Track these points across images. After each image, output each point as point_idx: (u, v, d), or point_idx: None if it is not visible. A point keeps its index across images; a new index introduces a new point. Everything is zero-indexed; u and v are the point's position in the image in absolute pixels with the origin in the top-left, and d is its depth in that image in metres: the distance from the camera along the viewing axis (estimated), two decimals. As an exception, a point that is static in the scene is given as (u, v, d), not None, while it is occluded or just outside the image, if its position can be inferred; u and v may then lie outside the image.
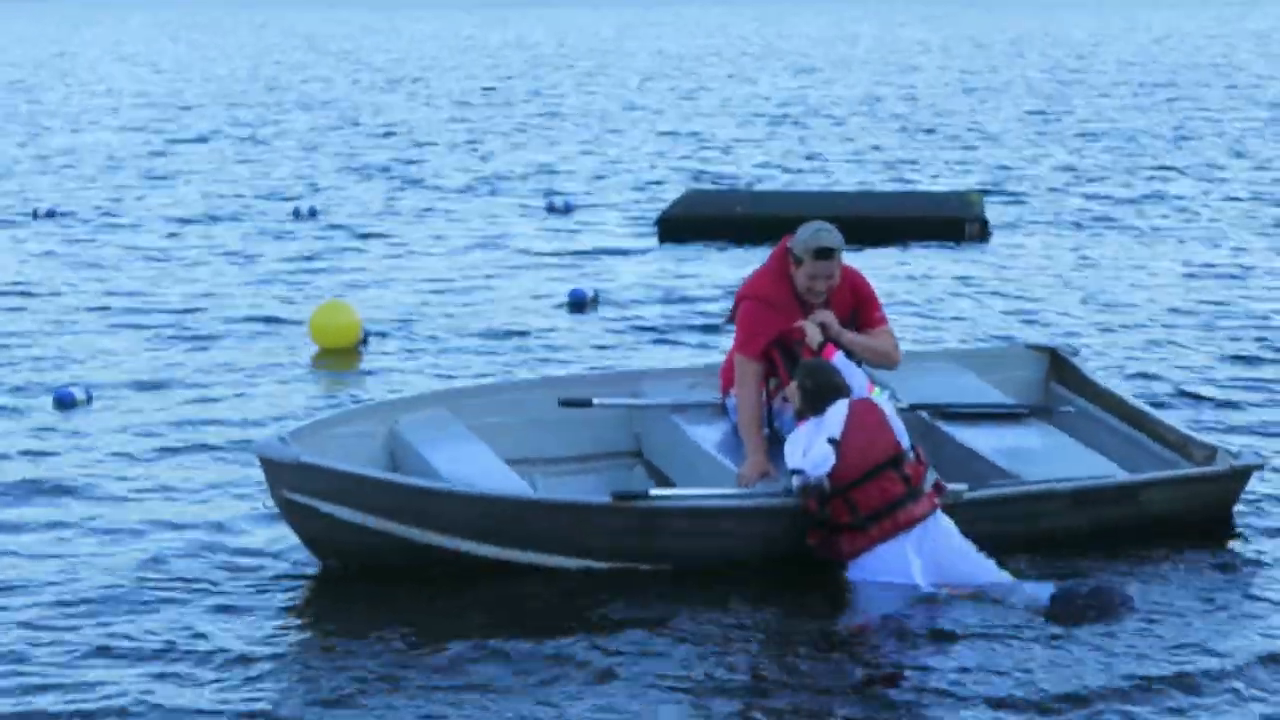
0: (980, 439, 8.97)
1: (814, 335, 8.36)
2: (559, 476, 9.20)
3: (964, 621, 7.45)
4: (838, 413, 7.91)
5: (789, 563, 7.94)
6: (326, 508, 7.98)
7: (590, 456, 9.29)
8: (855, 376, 8.18)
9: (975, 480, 8.62)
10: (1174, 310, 14.21)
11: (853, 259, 9.23)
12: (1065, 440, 9.12)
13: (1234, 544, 8.45)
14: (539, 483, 9.08)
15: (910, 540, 7.74)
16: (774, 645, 7.28)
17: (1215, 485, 8.64)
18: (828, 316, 8.45)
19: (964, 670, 7.00)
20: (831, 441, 7.84)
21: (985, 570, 7.75)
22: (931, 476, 7.94)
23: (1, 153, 26.66)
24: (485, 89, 38.32)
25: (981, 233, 17.78)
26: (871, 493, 7.76)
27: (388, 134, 28.61)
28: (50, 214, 19.77)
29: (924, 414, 9.19)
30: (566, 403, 9.20)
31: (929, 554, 7.73)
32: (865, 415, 7.90)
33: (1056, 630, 7.37)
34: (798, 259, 8.43)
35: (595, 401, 9.22)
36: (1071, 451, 8.95)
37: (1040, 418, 9.44)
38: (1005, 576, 7.76)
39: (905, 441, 7.92)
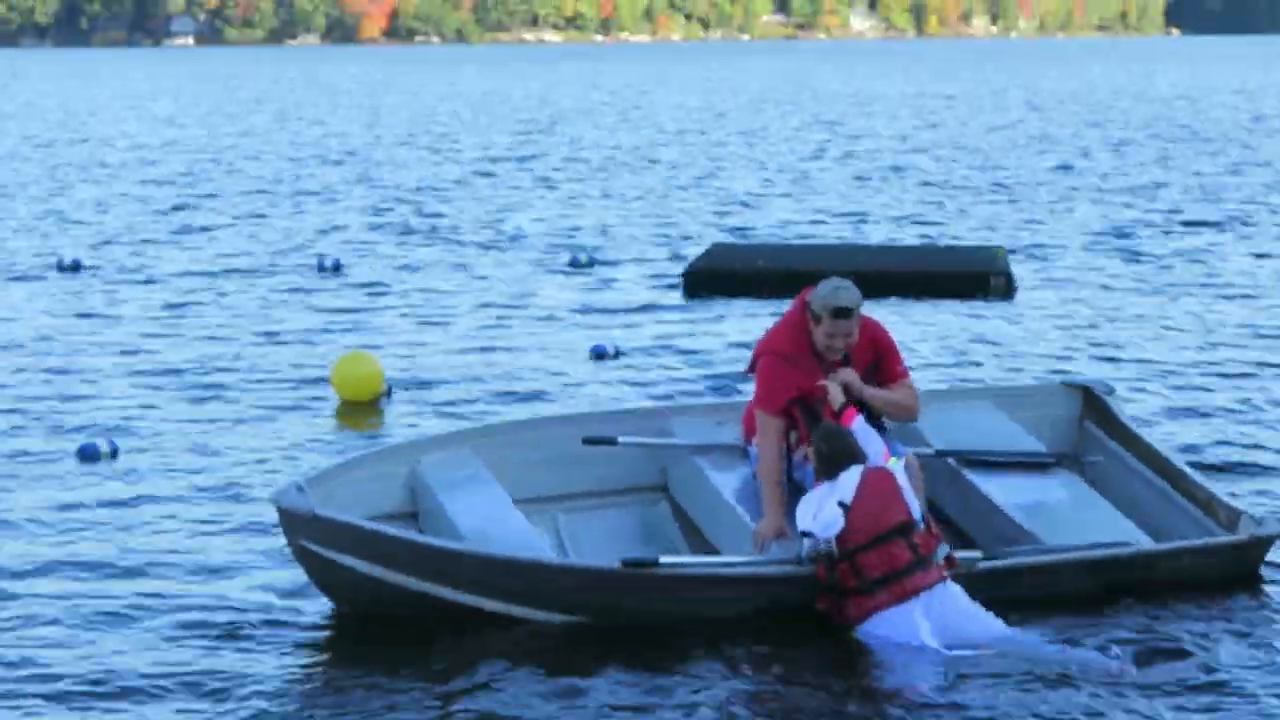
0: (1004, 492, 8.99)
1: (836, 397, 8.41)
2: (584, 512, 9.23)
3: (973, 680, 7.48)
4: (850, 478, 8.00)
5: (798, 623, 7.97)
6: (340, 558, 8.10)
7: (616, 492, 9.31)
8: (873, 443, 8.25)
9: (995, 536, 8.70)
10: (1203, 365, 14.25)
11: (876, 313, 9.32)
12: (1090, 495, 9.12)
13: (1251, 611, 8.41)
14: (561, 520, 9.15)
15: (918, 605, 7.80)
16: (778, 701, 7.33)
17: (1237, 552, 8.62)
18: (850, 376, 8.49)
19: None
20: (842, 505, 7.92)
21: (994, 630, 7.79)
22: (943, 550, 7.98)
23: (25, 205, 26.86)
24: (511, 141, 38.54)
25: (1006, 288, 17.83)
26: (878, 559, 7.82)
27: (409, 188, 28.77)
28: (75, 266, 19.93)
29: (951, 461, 9.21)
30: (591, 441, 9.22)
31: (937, 617, 7.78)
32: (878, 483, 7.99)
33: (1067, 688, 7.39)
34: (816, 317, 8.49)
35: (620, 440, 9.25)
36: (1095, 510, 8.96)
37: (1068, 467, 9.43)
38: (1015, 634, 7.80)
39: (917, 513, 7.98)
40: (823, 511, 7.97)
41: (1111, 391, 9.97)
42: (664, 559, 8.12)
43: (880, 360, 8.65)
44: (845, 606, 7.88)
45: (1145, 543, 8.65)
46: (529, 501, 9.09)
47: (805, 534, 7.97)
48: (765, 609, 8.01)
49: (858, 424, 8.30)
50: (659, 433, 9.41)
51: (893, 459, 8.26)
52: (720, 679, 7.49)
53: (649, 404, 12.35)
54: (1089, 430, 9.80)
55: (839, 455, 8.12)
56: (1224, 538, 8.65)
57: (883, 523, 7.86)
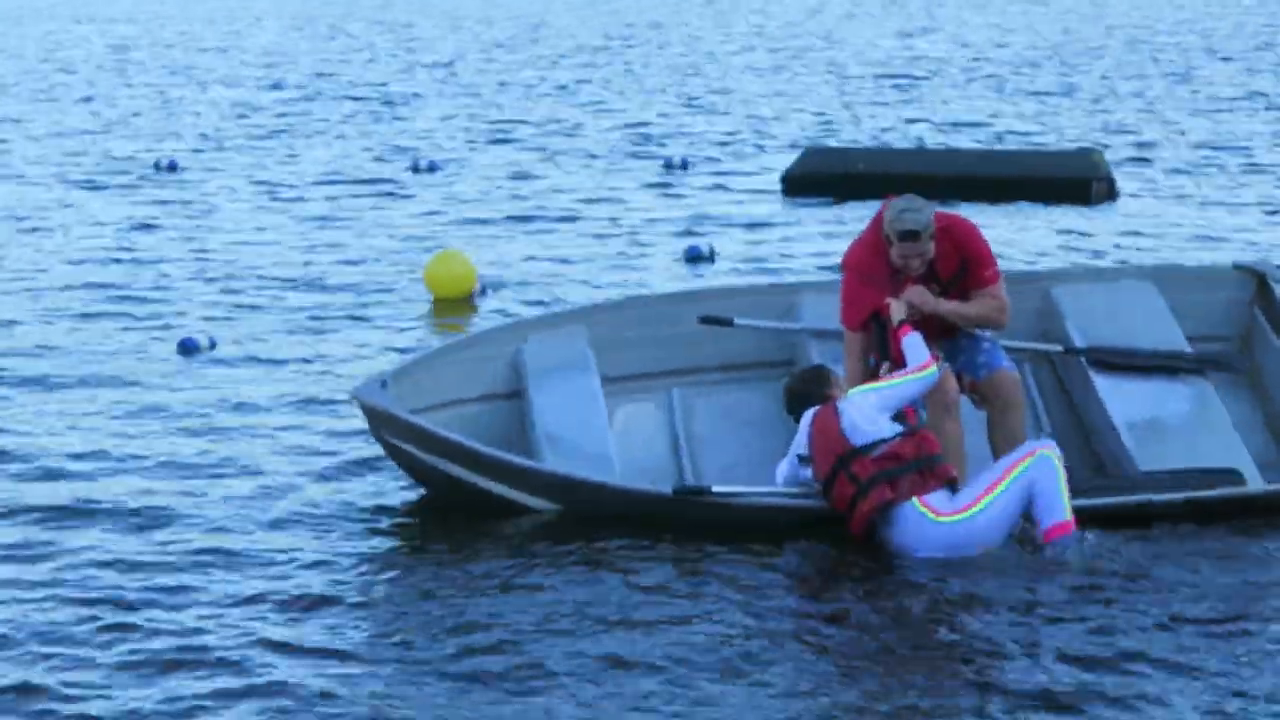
0: (1124, 404, 8.88)
1: (896, 313, 8.50)
2: (704, 388, 9.38)
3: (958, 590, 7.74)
4: (804, 425, 8.28)
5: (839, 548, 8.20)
6: (414, 451, 8.58)
7: (739, 367, 9.36)
8: (915, 359, 8.32)
9: (1097, 463, 8.84)
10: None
11: (977, 218, 9.31)
12: (1219, 415, 8.91)
13: None
14: (677, 396, 9.35)
15: (884, 526, 8.04)
16: (808, 622, 7.52)
17: None
18: (916, 295, 8.51)
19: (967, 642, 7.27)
20: (801, 458, 8.24)
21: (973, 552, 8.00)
22: (924, 462, 8.04)
23: (122, 106, 27.31)
24: (604, 44, 38.63)
25: (1109, 192, 17.86)
26: (836, 496, 8.12)
27: (500, 90, 28.97)
28: (172, 166, 20.35)
29: (1081, 361, 9.13)
30: (706, 320, 9.35)
31: (903, 539, 8.00)
32: (822, 425, 8.18)
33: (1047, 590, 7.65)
34: (887, 238, 8.52)
35: (737, 322, 9.33)
36: (1217, 432, 8.76)
37: (1218, 372, 9.20)
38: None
39: (861, 440, 8.05)
40: (780, 466, 8.40)
41: None
42: (716, 488, 8.41)
43: (966, 266, 8.61)
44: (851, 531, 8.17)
45: (1252, 480, 8.50)
46: (642, 377, 9.32)
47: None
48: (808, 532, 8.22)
49: (907, 340, 8.41)
50: (782, 312, 9.40)
51: (856, 389, 8.29)
52: (752, 599, 7.70)
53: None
54: (1258, 320, 9.53)
55: (793, 400, 8.41)
56: None
57: (826, 465, 8.10)
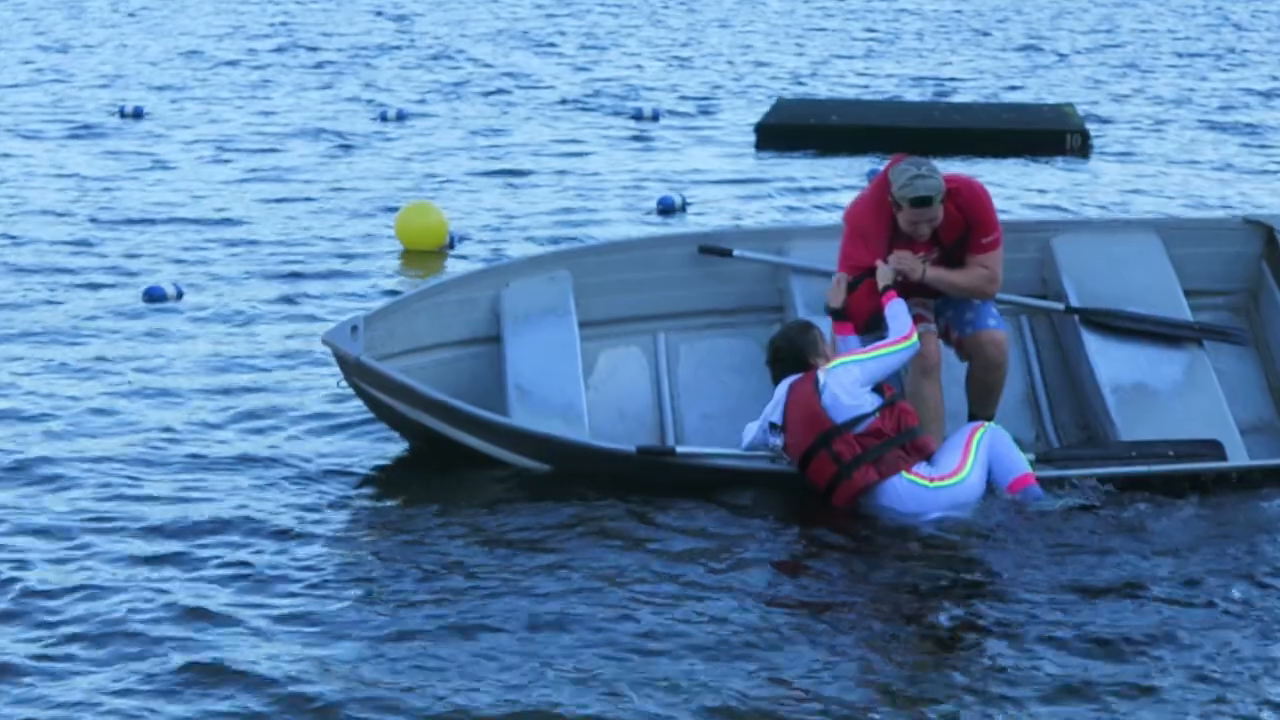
0: (1115, 368, 8.80)
1: (883, 278, 8.45)
2: (691, 333, 9.30)
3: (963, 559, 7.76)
4: (779, 395, 8.21)
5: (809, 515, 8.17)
6: (383, 398, 8.59)
7: (730, 310, 9.28)
8: (897, 328, 8.28)
9: (1084, 421, 8.85)
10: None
11: (952, 170, 9.29)
12: (1210, 384, 8.81)
13: None
14: (662, 341, 9.28)
15: (870, 503, 8.02)
16: (775, 589, 7.48)
17: None
18: (906, 262, 8.45)
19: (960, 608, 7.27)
20: (773, 425, 8.17)
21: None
22: (908, 436, 8.04)
23: (88, 55, 27.10)
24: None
25: (1083, 146, 17.88)
26: (814, 472, 8.07)
27: (468, 41, 28.84)
28: (137, 113, 20.21)
29: (1076, 320, 9.03)
30: (705, 250, 9.26)
31: (892, 511, 7.98)
32: (800, 395, 8.11)
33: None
34: (896, 203, 8.42)
35: (735, 253, 9.26)
36: (1203, 403, 8.66)
37: (1216, 341, 9.07)
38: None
39: (843, 416, 8.00)
40: (747, 428, 8.34)
41: None
42: (680, 449, 8.42)
43: (969, 229, 8.52)
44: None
45: (1234, 452, 8.46)
46: (626, 321, 9.25)
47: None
48: (779, 500, 8.20)
49: (891, 307, 8.37)
50: (775, 253, 9.29)
51: (836, 361, 8.22)
52: (721, 561, 7.67)
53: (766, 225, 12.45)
54: (1265, 276, 9.39)
55: (779, 361, 8.34)
56: None
57: (805, 440, 8.04)
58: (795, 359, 8.29)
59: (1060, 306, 9.07)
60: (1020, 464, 8.16)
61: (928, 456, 8.07)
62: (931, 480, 7.99)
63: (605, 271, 9.25)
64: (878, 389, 8.15)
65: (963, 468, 8.04)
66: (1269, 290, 9.33)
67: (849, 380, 8.08)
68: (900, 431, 8.03)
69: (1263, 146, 18.38)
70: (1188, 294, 9.13)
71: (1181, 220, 9.99)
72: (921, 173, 8.35)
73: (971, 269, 8.53)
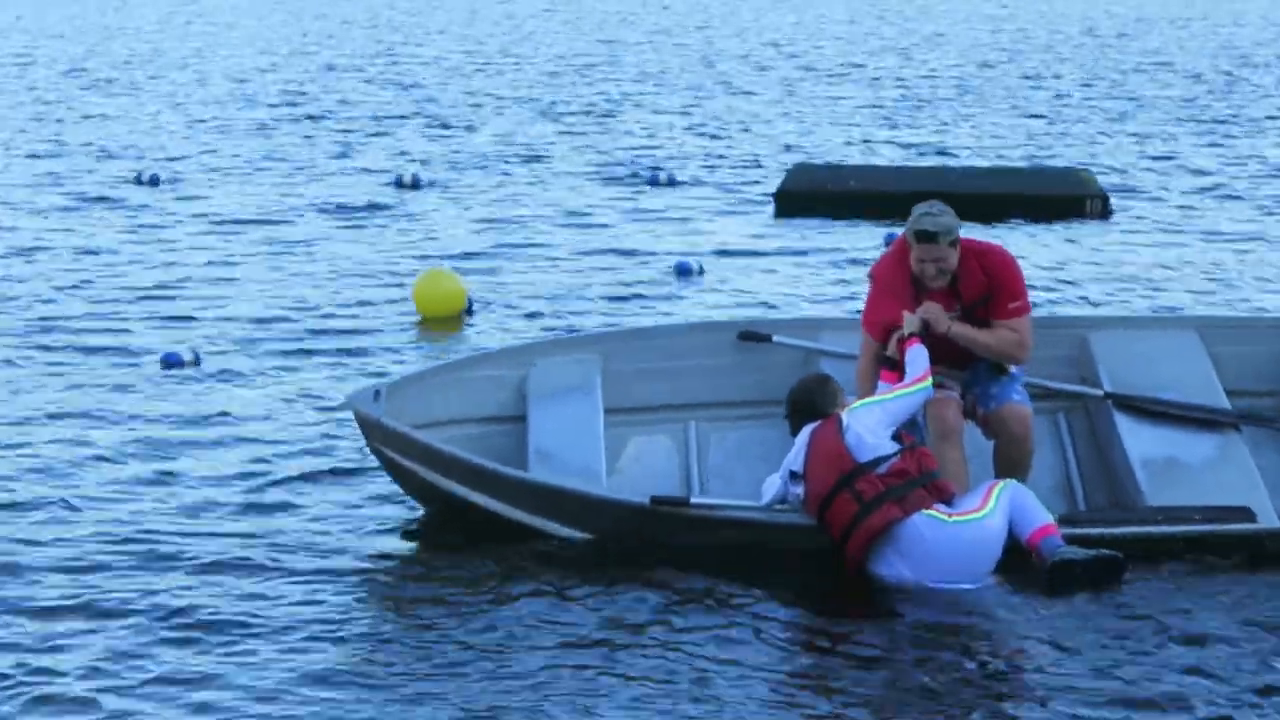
0: (1147, 446, 8.78)
1: (908, 326, 8.48)
2: (723, 423, 9.30)
3: (969, 614, 7.72)
4: (801, 440, 8.18)
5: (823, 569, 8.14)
6: (404, 462, 8.57)
7: (763, 401, 9.19)
8: (915, 372, 8.30)
9: (1108, 493, 8.81)
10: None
11: (971, 235, 9.32)
12: (1243, 462, 8.77)
13: None
14: (694, 430, 9.27)
15: (889, 547, 7.93)
16: (781, 644, 7.48)
17: None
18: (931, 312, 8.47)
19: (974, 665, 7.24)
20: (794, 475, 8.13)
21: (980, 566, 7.96)
22: (914, 485, 7.98)
23: (108, 122, 27.24)
24: (580, 62, 38.65)
25: (1103, 210, 17.88)
26: (834, 516, 7.99)
27: (480, 106, 28.96)
28: (154, 180, 20.29)
29: (1110, 405, 9.00)
30: (745, 336, 9.30)
31: (912, 555, 7.89)
32: (823, 440, 8.09)
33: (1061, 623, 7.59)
34: (908, 241, 8.51)
35: (775, 339, 9.28)
36: (1235, 479, 8.62)
37: (1254, 426, 9.06)
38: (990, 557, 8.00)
39: (867, 456, 7.98)
40: (768, 480, 8.30)
41: None
42: (695, 499, 8.38)
43: (993, 294, 8.52)
44: (844, 557, 8.05)
45: (1267, 515, 8.38)
46: (657, 409, 9.24)
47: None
48: (792, 554, 8.15)
49: (911, 352, 8.39)
50: (812, 341, 9.29)
51: (857, 403, 8.23)
52: (731, 614, 7.68)
53: (801, 314, 12.41)
54: None
55: (797, 411, 8.32)
56: None
57: (828, 481, 7.99)
58: (814, 410, 8.28)
59: (1098, 393, 9.05)
60: (1042, 515, 8.09)
61: (948, 500, 8.03)
62: (951, 516, 7.93)
63: (637, 357, 9.29)
64: (896, 437, 8.13)
65: (984, 507, 8.00)
66: None
67: (872, 420, 8.09)
68: (922, 473, 8.01)
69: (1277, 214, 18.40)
70: (1229, 393, 9.11)
71: (1221, 319, 10.06)
72: (931, 210, 8.46)
73: (999, 330, 8.52)
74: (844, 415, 8.17)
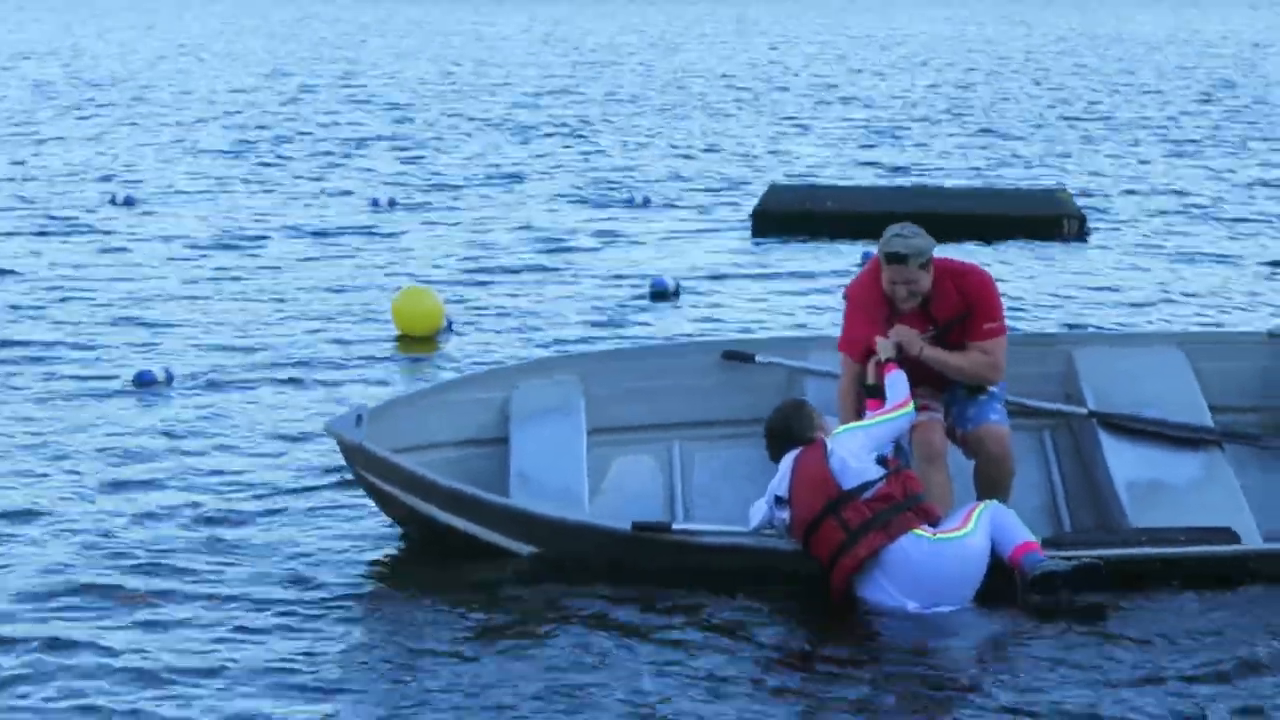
0: (1131, 467, 8.73)
1: (883, 350, 8.45)
2: (707, 443, 9.25)
3: (955, 639, 7.67)
4: (785, 466, 8.12)
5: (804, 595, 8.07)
6: (385, 486, 8.51)
7: (747, 421, 9.08)
8: (896, 397, 8.27)
9: (1093, 514, 8.77)
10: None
11: (949, 255, 9.27)
12: (1227, 482, 8.73)
13: None
14: (678, 450, 9.22)
15: (876, 570, 7.87)
16: (769, 671, 7.40)
17: None
18: (904, 334, 8.45)
19: (958, 686, 7.19)
20: (779, 500, 8.07)
21: (964, 584, 7.91)
22: (912, 500, 7.95)
23: (79, 145, 27.18)
24: (560, 83, 38.68)
25: (1080, 231, 17.92)
26: (819, 542, 7.93)
27: (456, 128, 28.96)
28: (129, 202, 20.24)
29: (1095, 423, 8.96)
30: (729, 355, 9.27)
31: (901, 577, 7.83)
32: (808, 465, 8.03)
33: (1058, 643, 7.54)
34: (880, 263, 8.49)
35: (758, 358, 9.25)
36: (1219, 499, 8.57)
37: (1238, 444, 9.00)
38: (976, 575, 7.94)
39: (852, 482, 7.93)
40: (753, 507, 8.22)
41: None
42: (676, 525, 8.30)
43: (969, 315, 8.49)
44: (830, 583, 7.98)
45: (1250, 536, 8.33)
46: (640, 429, 9.19)
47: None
48: (775, 580, 8.08)
49: (890, 377, 8.35)
50: (796, 360, 9.23)
51: (840, 428, 8.20)
52: (716, 642, 7.60)
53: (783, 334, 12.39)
54: None
55: (774, 438, 8.27)
56: None
57: (814, 508, 7.93)
58: (791, 437, 8.23)
59: (1082, 411, 9.02)
60: (1024, 533, 8.04)
61: (934, 522, 7.98)
62: (935, 534, 7.88)
63: (620, 377, 9.24)
64: (881, 461, 8.09)
65: (964, 526, 7.95)
66: None
67: (855, 445, 8.04)
68: (908, 496, 7.97)
69: (1252, 235, 18.41)
70: (1213, 409, 9.07)
71: (1205, 334, 10.02)
72: (903, 233, 8.43)
73: (971, 353, 8.48)
74: (828, 441, 8.11)
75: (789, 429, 8.24)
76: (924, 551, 7.83)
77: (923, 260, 8.39)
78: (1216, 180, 22.14)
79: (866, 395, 8.46)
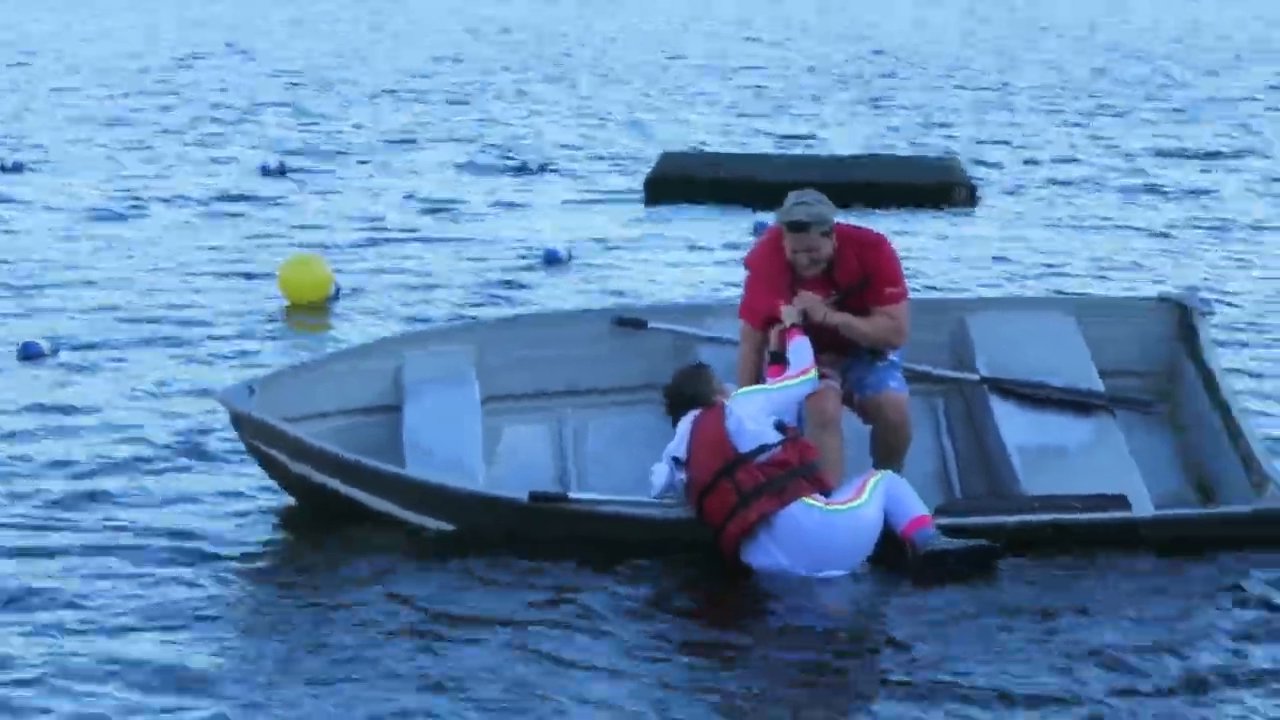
0: (1023, 432, 8.80)
1: (787, 318, 8.50)
2: (599, 410, 9.25)
3: (850, 600, 7.78)
4: (683, 428, 8.18)
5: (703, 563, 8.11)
6: (277, 455, 8.48)
7: (640, 387, 9.15)
8: (800, 363, 8.34)
9: (985, 479, 8.85)
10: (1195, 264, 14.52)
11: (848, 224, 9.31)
12: (1119, 449, 8.80)
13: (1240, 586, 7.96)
14: (569, 417, 9.22)
15: (765, 535, 7.91)
16: (667, 638, 7.44)
17: (1248, 524, 8.28)
18: (808, 301, 8.50)
19: (846, 654, 7.28)
20: (675, 460, 8.13)
21: (854, 555, 7.98)
22: (809, 469, 8.01)
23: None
24: (456, 51, 38.52)
25: (969, 198, 18.05)
26: (714, 505, 7.98)
27: (347, 95, 28.79)
28: (17, 168, 20.00)
29: (987, 389, 9.02)
30: (621, 322, 9.28)
31: (791, 544, 7.88)
32: (707, 428, 8.09)
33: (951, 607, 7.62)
34: (782, 230, 8.53)
35: (650, 324, 9.25)
36: (1111, 467, 8.65)
37: (1129, 410, 9.09)
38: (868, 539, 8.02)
39: (748, 445, 7.99)
40: (655, 468, 8.27)
41: (1210, 312, 9.47)
42: (573, 494, 8.33)
43: (869, 280, 8.55)
44: (720, 546, 8.03)
45: (1141, 502, 8.43)
46: (532, 397, 9.18)
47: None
48: (673, 549, 8.11)
49: (794, 344, 8.41)
50: (690, 327, 9.25)
51: (741, 391, 8.28)
52: (613, 610, 7.62)
53: (679, 300, 12.42)
54: (1179, 355, 9.36)
55: (674, 401, 8.33)
56: (1226, 509, 8.47)
57: (709, 470, 7.98)
58: (692, 401, 8.28)
59: (974, 377, 9.09)
60: (918, 507, 8.10)
61: (827, 491, 8.04)
62: (829, 505, 7.94)
63: (512, 346, 9.23)
64: (780, 428, 8.13)
65: (859, 496, 8.02)
66: (1184, 370, 9.32)
67: (754, 408, 8.09)
68: (803, 464, 8.03)
69: (1140, 203, 18.63)
70: (1103, 374, 9.15)
71: (1095, 299, 10.12)
72: (804, 200, 8.48)
73: (876, 318, 8.55)
74: (727, 403, 8.16)
75: (689, 392, 8.30)
76: (815, 521, 7.88)
77: (825, 228, 8.45)
78: (1106, 149, 22.35)
79: (770, 362, 8.51)
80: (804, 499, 7.90)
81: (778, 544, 7.90)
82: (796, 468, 7.97)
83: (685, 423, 8.19)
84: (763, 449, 7.97)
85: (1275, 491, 8.40)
